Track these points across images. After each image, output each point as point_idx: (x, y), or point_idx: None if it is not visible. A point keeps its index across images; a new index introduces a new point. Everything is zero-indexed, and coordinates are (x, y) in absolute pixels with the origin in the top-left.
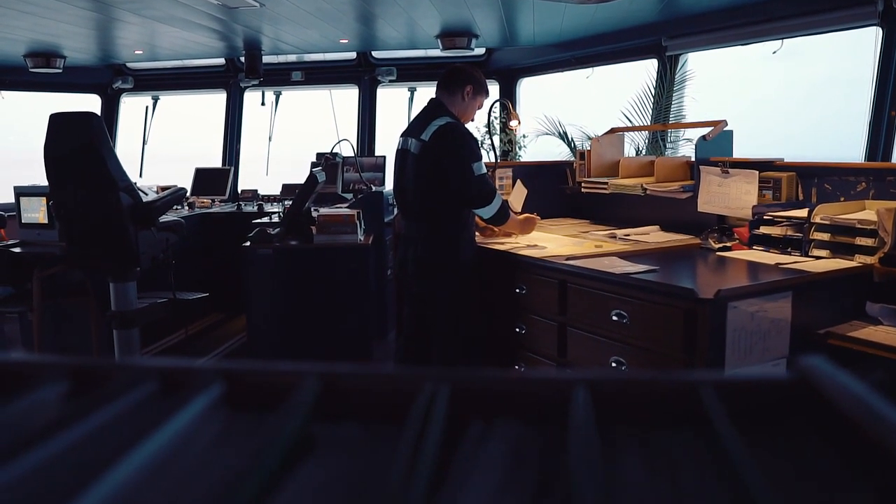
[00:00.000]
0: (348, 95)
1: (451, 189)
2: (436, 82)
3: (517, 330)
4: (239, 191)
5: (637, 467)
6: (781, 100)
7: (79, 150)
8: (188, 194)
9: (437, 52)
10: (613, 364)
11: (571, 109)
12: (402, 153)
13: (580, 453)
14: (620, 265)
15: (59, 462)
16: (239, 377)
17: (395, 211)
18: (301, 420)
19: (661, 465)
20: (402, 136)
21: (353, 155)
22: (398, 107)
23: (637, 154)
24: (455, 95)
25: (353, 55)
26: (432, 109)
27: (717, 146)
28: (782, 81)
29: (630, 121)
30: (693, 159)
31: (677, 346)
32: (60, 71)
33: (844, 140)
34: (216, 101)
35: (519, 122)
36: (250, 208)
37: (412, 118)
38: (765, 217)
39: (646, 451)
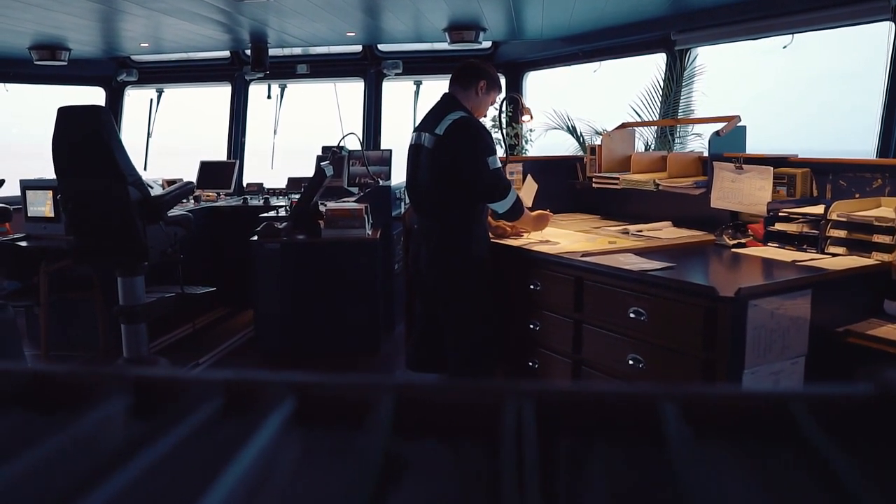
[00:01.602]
0: (354, 88)
1: (465, 183)
2: (442, 76)
3: (531, 326)
4: (244, 184)
5: (749, 488)
6: (781, 93)
7: (88, 143)
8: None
9: (443, 46)
10: (630, 362)
11: (577, 104)
12: (415, 148)
13: (690, 472)
14: (636, 262)
15: (144, 489)
16: (310, 391)
17: (403, 205)
18: (387, 440)
19: (772, 484)
20: (414, 131)
21: (358, 148)
22: (404, 100)
23: (646, 149)
24: (469, 90)
25: (358, 48)
26: (446, 104)
27: (730, 142)
28: (781, 75)
29: (639, 115)
30: (705, 154)
31: (697, 344)
32: (65, 63)
33: (844, 132)
34: (220, 93)
35: (531, 117)
36: (256, 202)
37: (426, 113)
38: (780, 213)
39: (750, 469)
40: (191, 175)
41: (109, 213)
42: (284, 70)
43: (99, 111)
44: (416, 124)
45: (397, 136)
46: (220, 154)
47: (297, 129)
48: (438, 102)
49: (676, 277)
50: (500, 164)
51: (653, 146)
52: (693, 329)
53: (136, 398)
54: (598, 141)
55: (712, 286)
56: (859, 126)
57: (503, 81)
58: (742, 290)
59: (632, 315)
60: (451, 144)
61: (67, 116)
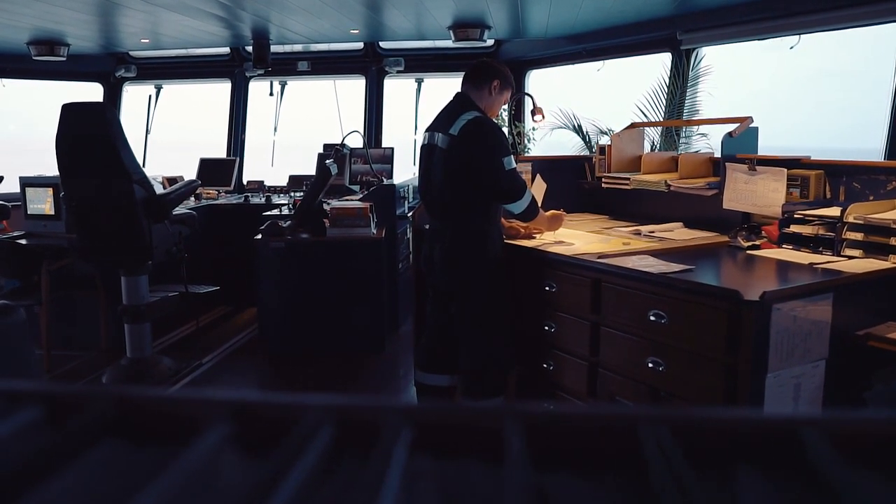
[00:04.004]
0: (355, 85)
1: (482, 184)
2: (443, 73)
3: (546, 328)
4: (244, 182)
5: None
6: (778, 90)
7: (92, 141)
8: None
9: (445, 44)
10: (650, 365)
11: (578, 102)
12: (428, 148)
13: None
14: (655, 264)
15: None
16: (428, 419)
17: (407, 204)
18: (526, 471)
19: None
20: (427, 130)
21: (360, 146)
22: (405, 98)
23: (652, 149)
24: (482, 90)
25: (360, 45)
26: (459, 104)
27: (741, 143)
28: (778, 73)
29: (644, 115)
30: (713, 154)
31: (719, 347)
32: (64, 59)
33: (841, 131)
34: (218, 89)
35: (543, 117)
36: (258, 200)
37: (438, 112)
38: (795, 215)
39: None
40: (190, 172)
41: (114, 211)
42: (285, 67)
43: (104, 109)
44: (427, 123)
45: (398, 134)
46: (219, 151)
47: (295, 126)
48: (451, 102)
49: (697, 280)
50: (515, 165)
51: (658, 146)
52: (716, 332)
53: (239, 428)
54: (603, 140)
55: (735, 289)
56: (857, 124)
57: None
58: (766, 294)
59: (652, 318)
60: (466, 145)
61: (72, 113)
